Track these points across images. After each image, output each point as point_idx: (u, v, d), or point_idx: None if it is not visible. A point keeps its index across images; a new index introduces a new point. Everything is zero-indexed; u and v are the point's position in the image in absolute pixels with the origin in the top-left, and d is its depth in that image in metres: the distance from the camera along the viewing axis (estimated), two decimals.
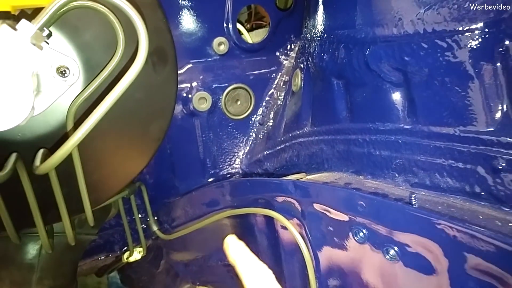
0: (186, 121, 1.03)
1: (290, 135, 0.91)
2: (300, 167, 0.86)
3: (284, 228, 0.72)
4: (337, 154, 0.74)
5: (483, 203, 0.52)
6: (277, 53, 1.08)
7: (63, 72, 0.57)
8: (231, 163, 1.10)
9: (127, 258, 1.21)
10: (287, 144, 0.91)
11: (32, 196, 0.66)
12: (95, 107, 0.63)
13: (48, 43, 0.58)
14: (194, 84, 1.01)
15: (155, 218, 1.16)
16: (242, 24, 1.10)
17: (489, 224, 0.46)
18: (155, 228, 1.15)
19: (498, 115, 0.50)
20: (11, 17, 0.54)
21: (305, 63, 0.84)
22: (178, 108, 1.01)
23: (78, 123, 0.66)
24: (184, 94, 1.00)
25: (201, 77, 1.01)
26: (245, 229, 0.94)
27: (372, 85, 0.65)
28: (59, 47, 0.60)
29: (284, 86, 1.06)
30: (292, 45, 1.09)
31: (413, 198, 0.55)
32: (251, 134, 1.10)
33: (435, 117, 0.56)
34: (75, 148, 0.62)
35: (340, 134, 0.73)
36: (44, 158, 0.64)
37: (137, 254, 1.20)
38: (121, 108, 0.58)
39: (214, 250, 1.10)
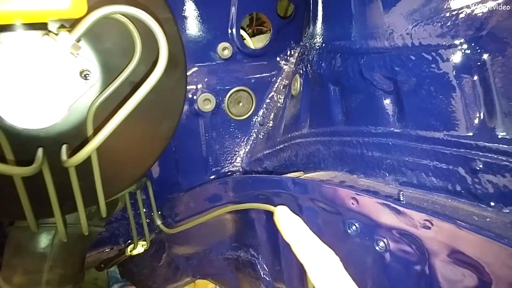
0: (191, 120, 1.04)
1: (289, 135, 0.92)
2: (298, 166, 0.87)
3: None
4: (332, 154, 0.75)
5: (463, 200, 0.54)
6: (278, 58, 1.10)
7: (86, 75, 0.60)
8: (232, 161, 1.11)
9: (130, 251, 1.20)
10: (286, 144, 0.92)
11: (53, 188, 0.68)
12: (112, 107, 0.66)
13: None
14: (199, 86, 1.02)
15: (159, 212, 1.16)
16: (244, 30, 1.11)
17: (467, 219, 0.49)
18: (158, 222, 1.14)
19: (476, 121, 0.52)
20: (46, 27, 0.57)
21: (304, 70, 0.85)
22: (184, 108, 0.99)
23: (97, 121, 0.68)
24: (190, 95, 1.02)
25: (206, 79, 1.02)
26: (245, 224, 0.94)
27: (366, 92, 0.66)
28: (83, 52, 0.62)
29: (284, 89, 1.07)
30: (292, 51, 1.10)
31: (401, 195, 0.58)
32: (252, 134, 1.11)
33: (422, 122, 0.58)
34: None
35: (336, 136, 0.74)
36: (66, 153, 0.66)
37: (140, 247, 1.20)
38: (135, 109, 0.61)
39: (215, 244, 1.10)
